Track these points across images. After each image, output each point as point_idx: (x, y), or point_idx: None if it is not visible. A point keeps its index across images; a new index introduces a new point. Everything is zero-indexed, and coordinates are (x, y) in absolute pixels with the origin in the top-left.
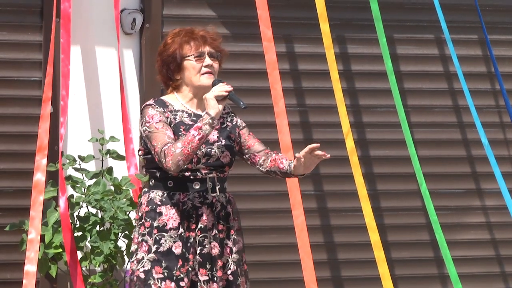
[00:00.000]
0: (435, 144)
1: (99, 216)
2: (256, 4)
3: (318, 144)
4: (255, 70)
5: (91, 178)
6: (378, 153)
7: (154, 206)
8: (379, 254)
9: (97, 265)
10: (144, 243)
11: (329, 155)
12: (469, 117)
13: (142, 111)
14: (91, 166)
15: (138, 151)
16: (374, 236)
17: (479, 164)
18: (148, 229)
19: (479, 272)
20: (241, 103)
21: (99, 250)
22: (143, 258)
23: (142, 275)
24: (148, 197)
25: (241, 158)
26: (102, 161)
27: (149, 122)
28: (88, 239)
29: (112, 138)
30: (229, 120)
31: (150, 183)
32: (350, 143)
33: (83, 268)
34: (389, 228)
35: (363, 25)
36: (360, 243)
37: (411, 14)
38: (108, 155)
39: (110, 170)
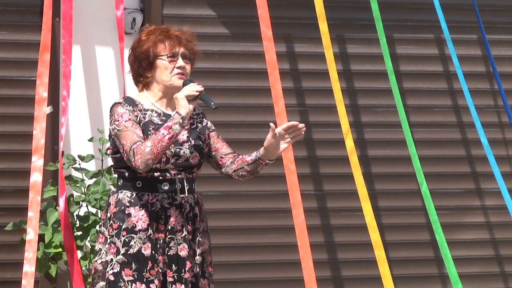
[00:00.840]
0: (435, 144)
1: (99, 215)
2: (256, 4)
3: (297, 123)
4: (255, 69)
5: (91, 178)
6: (378, 153)
7: (122, 207)
8: (379, 254)
9: None
10: (113, 245)
11: (302, 132)
12: (469, 117)
13: (111, 109)
14: (91, 166)
15: (107, 150)
16: (374, 236)
17: (478, 164)
18: (116, 231)
19: (478, 272)
20: (212, 103)
21: None
22: (111, 260)
23: (112, 278)
24: (117, 198)
25: (207, 160)
26: (102, 160)
27: (118, 121)
28: (88, 238)
29: None
30: (198, 121)
31: (119, 183)
32: (349, 143)
33: (83, 268)
34: (389, 228)
35: (363, 25)
36: (360, 243)
37: (411, 14)
38: (108, 154)
39: (109, 170)
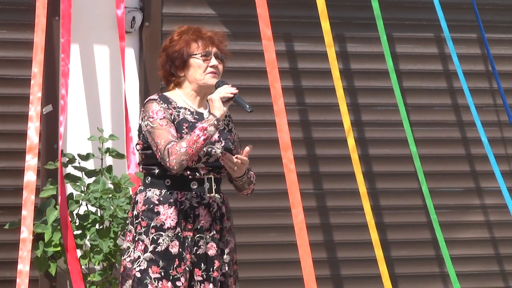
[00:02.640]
0: (434, 143)
1: (99, 214)
2: (255, 3)
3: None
4: (254, 68)
5: (91, 177)
6: (378, 151)
7: (151, 206)
8: (379, 253)
9: (96, 264)
10: (141, 242)
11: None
12: (469, 115)
13: (145, 105)
14: (91, 165)
15: (136, 145)
16: (375, 235)
17: (478, 162)
18: (144, 228)
19: (478, 270)
20: (247, 106)
21: (98, 249)
22: (139, 257)
23: (138, 275)
24: (145, 196)
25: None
26: (102, 159)
27: (152, 118)
28: (88, 237)
29: (112, 137)
30: (226, 123)
31: (146, 181)
32: (351, 141)
33: (83, 267)
34: (389, 226)
35: (363, 23)
36: (359, 242)
37: (411, 12)
38: (108, 153)
39: (109, 169)
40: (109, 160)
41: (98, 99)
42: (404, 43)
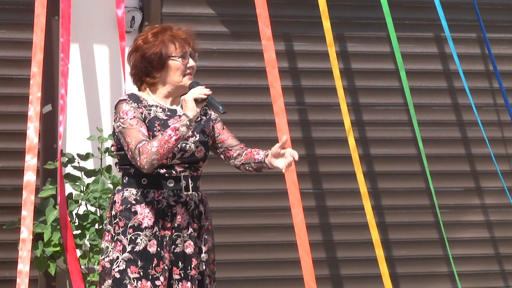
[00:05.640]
0: (434, 142)
1: (98, 214)
2: (255, 3)
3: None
4: (254, 68)
5: (90, 176)
6: (378, 151)
7: (128, 205)
8: (379, 252)
9: (96, 263)
10: (119, 243)
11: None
12: (468, 115)
13: (116, 106)
14: (90, 164)
15: (111, 146)
16: (374, 234)
17: (478, 162)
18: (122, 228)
19: (478, 270)
20: (220, 108)
21: (98, 248)
22: (117, 257)
23: (117, 275)
24: (122, 196)
25: (214, 152)
26: (101, 159)
27: (123, 118)
28: (87, 237)
29: (111, 136)
30: (202, 113)
31: (124, 181)
32: (352, 141)
33: (82, 266)
34: (389, 226)
35: (363, 23)
36: (359, 241)
37: (411, 12)
38: (107, 153)
39: (109, 168)
40: (108, 160)
41: (98, 99)
42: (404, 42)
